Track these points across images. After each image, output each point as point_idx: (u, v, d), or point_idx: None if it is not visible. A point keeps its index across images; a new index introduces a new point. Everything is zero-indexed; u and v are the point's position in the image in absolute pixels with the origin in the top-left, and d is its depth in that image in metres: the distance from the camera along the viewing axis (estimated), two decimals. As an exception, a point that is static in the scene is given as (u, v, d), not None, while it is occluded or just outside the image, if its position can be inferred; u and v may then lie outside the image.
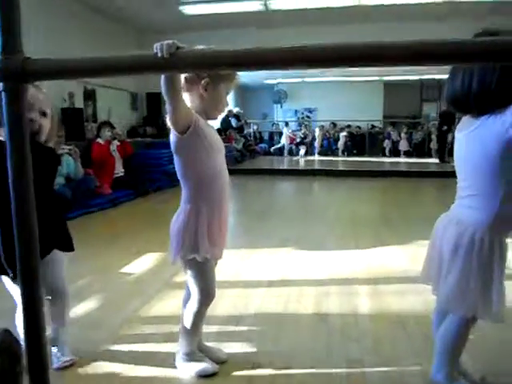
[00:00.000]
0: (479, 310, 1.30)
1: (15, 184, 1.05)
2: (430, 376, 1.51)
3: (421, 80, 14.60)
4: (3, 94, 1.06)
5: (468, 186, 1.34)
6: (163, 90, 1.34)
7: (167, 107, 1.39)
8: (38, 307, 1.11)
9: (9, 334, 0.88)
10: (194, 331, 1.65)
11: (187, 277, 1.62)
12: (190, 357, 1.67)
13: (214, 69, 1.09)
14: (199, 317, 1.63)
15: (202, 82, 1.52)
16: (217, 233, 1.57)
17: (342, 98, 14.85)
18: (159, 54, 0.96)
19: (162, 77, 1.31)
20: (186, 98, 1.52)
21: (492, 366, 1.67)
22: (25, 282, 1.10)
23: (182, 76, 1.47)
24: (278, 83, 15.27)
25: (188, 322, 1.63)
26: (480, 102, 1.24)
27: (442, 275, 1.37)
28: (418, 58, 0.94)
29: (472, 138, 1.29)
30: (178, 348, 1.69)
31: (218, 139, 1.62)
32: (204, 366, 1.66)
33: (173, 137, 1.50)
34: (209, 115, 1.59)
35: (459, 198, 1.39)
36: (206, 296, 1.60)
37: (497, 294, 1.27)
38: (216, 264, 1.70)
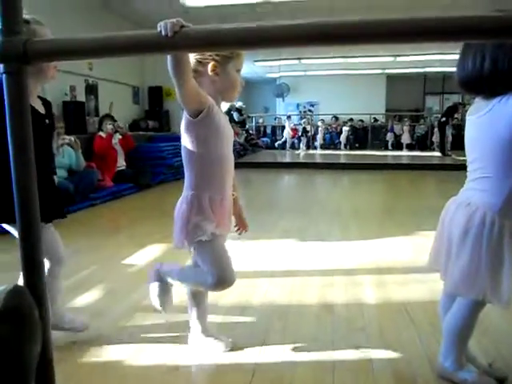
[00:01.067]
0: (488, 294, 1.28)
1: (16, 165, 1.04)
2: (437, 363, 1.49)
3: (424, 73, 14.53)
4: (4, 76, 1.05)
5: (478, 168, 1.32)
6: (170, 69, 1.30)
7: (176, 88, 1.37)
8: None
9: (18, 294, 0.76)
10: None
11: (199, 262, 1.58)
12: (205, 334, 1.72)
13: (219, 48, 1.07)
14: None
15: (209, 66, 1.49)
16: (220, 217, 1.56)
17: (345, 91, 14.82)
18: (163, 33, 0.94)
19: (169, 56, 1.28)
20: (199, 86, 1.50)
21: (500, 351, 1.66)
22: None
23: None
24: (280, 77, 15.21)
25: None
26: (492, 83, 1.22)
27: (451, 259, 1.35)
28: (428, 34, 0.91)
29: (484, 120, 1.27)
30: (192, 331, 1.73)
31: (228, 128, 1.60)
32: (219, 342, 1.70)
33: (184, 118, 1.49)
34: (225, 98, 1.58)
35: (469, 181, 1.37)
36: (218, 284, 1.52)
37: (506, 279, 1.26)
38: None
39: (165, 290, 1.67)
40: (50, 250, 1.69)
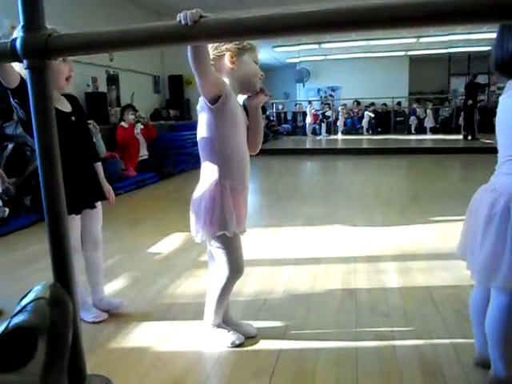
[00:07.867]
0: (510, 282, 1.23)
1: (42, 160, 1.06)
2: (491, 373, 1.34)
3: (448, 53, 14.14)
4: (27, 71, 1.07)
5: (506, 150, 1.28)
6: (191, 62, 1.32)
7: (196, 78, 1.38)
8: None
9: (58, 287, 0.93)
10: (220, 305, 1.67)
11: (214, 253, 1.62)
12: (219, 327, 1.71)
13: (238, 37, 1.07)
14: (226, 291, 1.64)
15: (225, 57, 1.53)
16: (242, 208, 1.58)
17: (366, 74, 14.55)
18: (183, 22, 0.95)
19: (189, 49, 1.30)
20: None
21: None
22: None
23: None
24: (300, 62, 15.02)
25: (215, 296, 1.65)
26: None
27: (476, 246, 1.31)
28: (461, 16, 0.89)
29: (509, 100, 1.24)
30: (205, 321, 1.72)
31: (243, 119, 1.61)
32: (231, 336, 1.68)
33: (203, 106, 1.50)
34: (243, 89, 1.59)
35: (498, 165, 1.33)
36: (236, 271, 1.60)
37: None
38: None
39: (221, 328, 1.71)
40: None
